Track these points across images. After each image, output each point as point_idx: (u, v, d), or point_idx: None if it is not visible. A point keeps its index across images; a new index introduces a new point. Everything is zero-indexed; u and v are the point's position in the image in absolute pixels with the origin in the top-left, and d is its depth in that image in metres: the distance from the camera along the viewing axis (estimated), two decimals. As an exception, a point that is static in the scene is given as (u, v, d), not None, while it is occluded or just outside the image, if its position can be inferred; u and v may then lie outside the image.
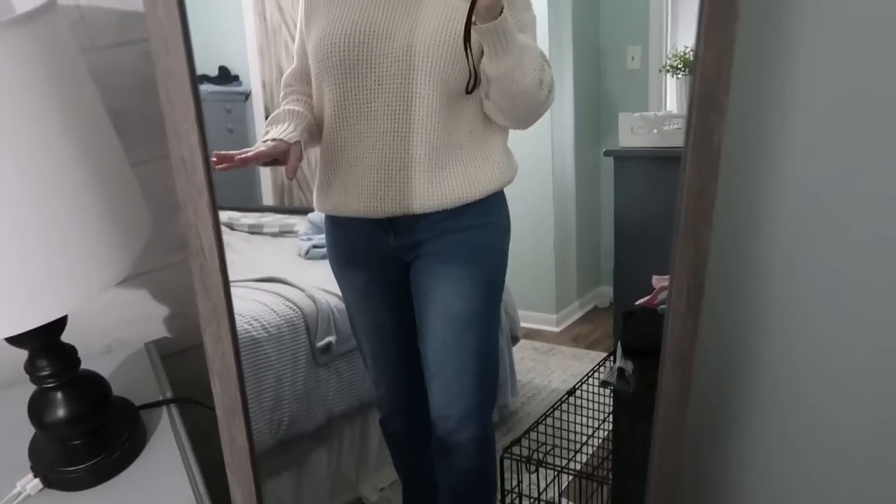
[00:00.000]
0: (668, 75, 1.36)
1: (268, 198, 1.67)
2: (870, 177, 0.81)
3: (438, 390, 1.19)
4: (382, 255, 1.16)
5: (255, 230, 1.73)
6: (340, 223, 1.16)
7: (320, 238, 1.52)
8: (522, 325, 1.88)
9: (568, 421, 1.42)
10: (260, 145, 1.03)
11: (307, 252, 1.61)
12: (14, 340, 0.77)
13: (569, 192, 1.70)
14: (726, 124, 0.62)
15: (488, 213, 1.15)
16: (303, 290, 1.52)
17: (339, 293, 1.38)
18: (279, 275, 1.57)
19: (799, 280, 0.90)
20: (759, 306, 0.95)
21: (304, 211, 1.62)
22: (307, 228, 1.63)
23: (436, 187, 1.06)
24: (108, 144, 0.72)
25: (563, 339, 1.91)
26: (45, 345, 0.80)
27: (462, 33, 0.93)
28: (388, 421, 1.41)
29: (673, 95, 1.36)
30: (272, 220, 1.72)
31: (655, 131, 1.35)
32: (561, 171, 1.66)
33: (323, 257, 1.49)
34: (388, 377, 1.34)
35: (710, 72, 0.60)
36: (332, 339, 1.51)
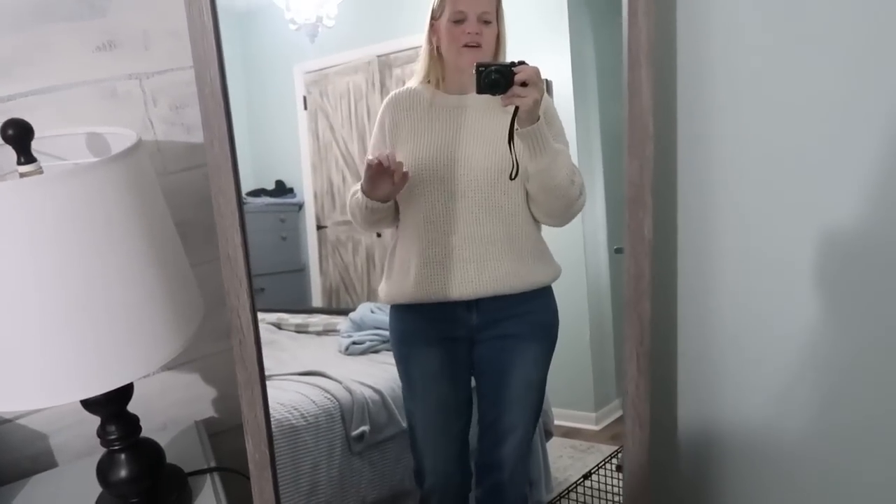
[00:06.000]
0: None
1: (317, 300, 1.85)
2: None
3: (510, 447, 1.37)
4: (459, 333, 1.33)
5: (301, 329, 1.89)
6: (417, 309, 1.31)
7: (359, 335, 1.67)
8: (561, 423, 1.96)
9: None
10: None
11: (347, 348, 1.76)
12: (90, 407, 0.94)
13: (604, 289, 1.80)
14: (653, 220, 0.77)
15: (549, 297, 1.35)
16: (340, 382, 1.66)
17: (374, 385, 1.51)
18: (320, 369, 1.72)
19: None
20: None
21: (346, 311, 1.79)
22: (348, 327, 1.78)
23: (520, 272, 1.27)
24: (172, 247, 0.91)
25: (603, 438, 1.95)
26: (115, 412, 0.97)
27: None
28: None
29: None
30: (318, 321, 1.89)
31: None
32: (595, 268, 1.77)
33: (361, 353, 1.66)
34: (447, 455, 1.44)
35: (634, 178, 0.76)
36: (365, 428, 1.63)
